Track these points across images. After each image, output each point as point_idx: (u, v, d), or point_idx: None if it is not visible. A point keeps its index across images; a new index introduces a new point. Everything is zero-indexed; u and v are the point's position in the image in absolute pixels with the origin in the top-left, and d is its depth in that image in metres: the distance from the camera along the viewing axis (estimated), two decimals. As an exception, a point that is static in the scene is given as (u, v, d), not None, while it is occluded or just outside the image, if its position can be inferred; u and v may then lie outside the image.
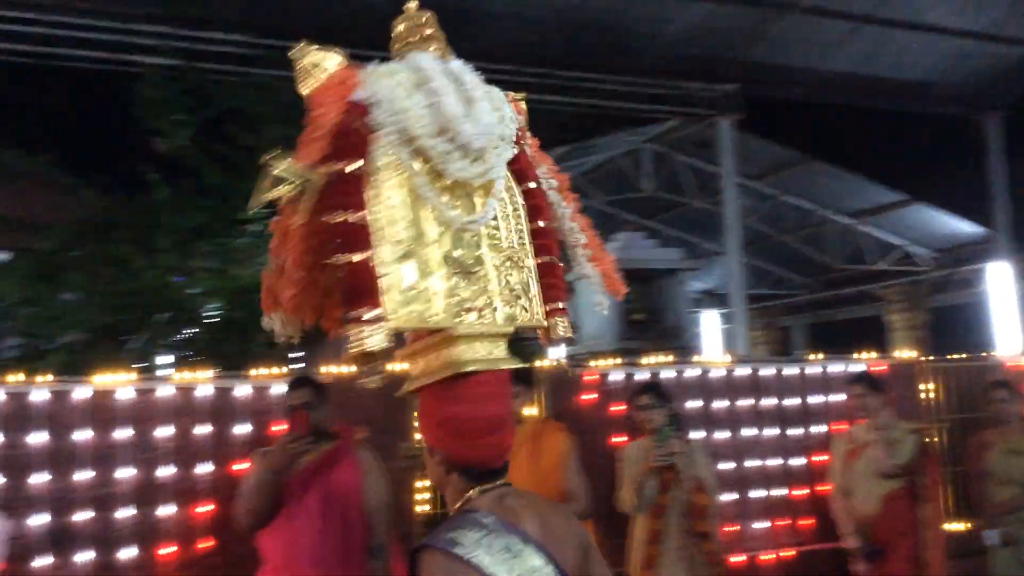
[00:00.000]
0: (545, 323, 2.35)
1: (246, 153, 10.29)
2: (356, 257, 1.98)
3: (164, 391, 5.15)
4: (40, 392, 4.92)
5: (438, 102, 2.15)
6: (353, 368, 5.43)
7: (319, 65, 2.17)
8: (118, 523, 4.97)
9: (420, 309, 2.12)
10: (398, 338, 2.18)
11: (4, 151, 10.29)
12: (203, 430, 5.18)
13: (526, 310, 2.32)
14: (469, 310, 2.19)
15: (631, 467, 5.06)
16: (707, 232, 16.23)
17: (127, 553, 4.96)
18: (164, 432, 5.12)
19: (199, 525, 5.10)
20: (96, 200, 9.26)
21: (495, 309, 2.23)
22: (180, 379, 5.24)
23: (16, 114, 11.29)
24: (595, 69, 11.40)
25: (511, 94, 2.53)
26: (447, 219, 2.20)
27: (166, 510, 5.07)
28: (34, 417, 4.88)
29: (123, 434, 5.03)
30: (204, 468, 5.15)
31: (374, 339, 1.95)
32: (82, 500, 4.92)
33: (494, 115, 2.28)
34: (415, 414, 2.40)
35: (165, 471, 5.09)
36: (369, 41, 3.26)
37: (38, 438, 4.87)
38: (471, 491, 2.12)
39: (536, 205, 2.42)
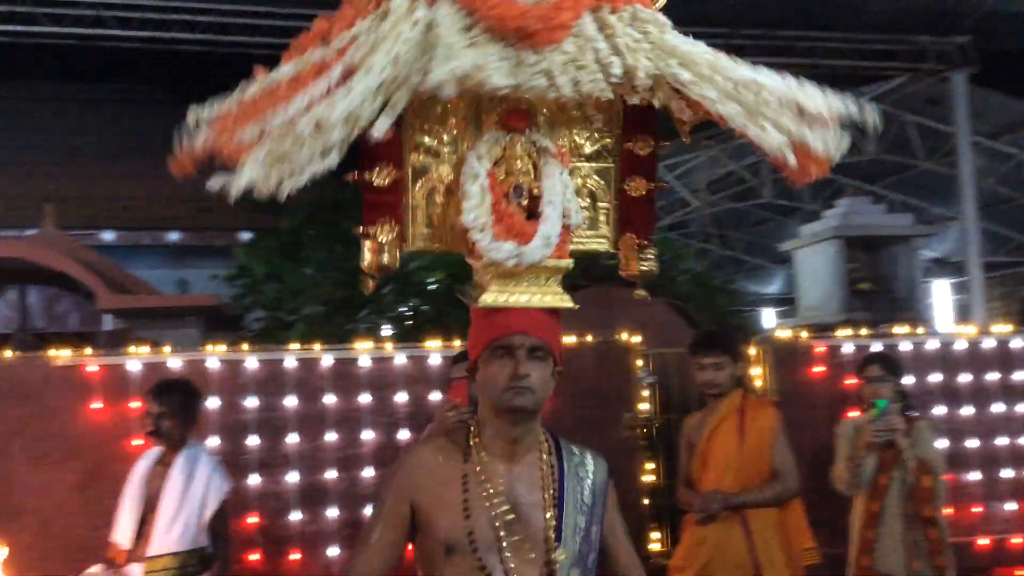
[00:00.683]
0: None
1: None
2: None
3: (399, 360, 5.43)
4: (290, 359, 5.32)
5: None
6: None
7: None
8: (363, 482, 5.30)
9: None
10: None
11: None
12: (435, 396, 5.42)
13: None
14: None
15: (845, 443, 4.79)
16: (937, 196, 15.14)
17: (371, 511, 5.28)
18: (400, 398, 5.40)
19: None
20: (331, 181, 9.84)
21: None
22: (409, 348, 5.51)
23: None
24: (813, 27, 10.87)
25: None
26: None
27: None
28: (285, 383, 5.28)
29: (365, 399, 5.35)
30: (437, 433, 5.40)
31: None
32: (330, 460, 5.29)
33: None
34: (558, 330, 2.09)
35: (403, 434, 5.37)
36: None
37: (290, 402, 5.28)
38: None
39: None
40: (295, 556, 5.18)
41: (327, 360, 5.37)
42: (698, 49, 2.00)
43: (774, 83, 2.00)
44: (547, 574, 1.98)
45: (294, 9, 9.73)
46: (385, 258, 1.96)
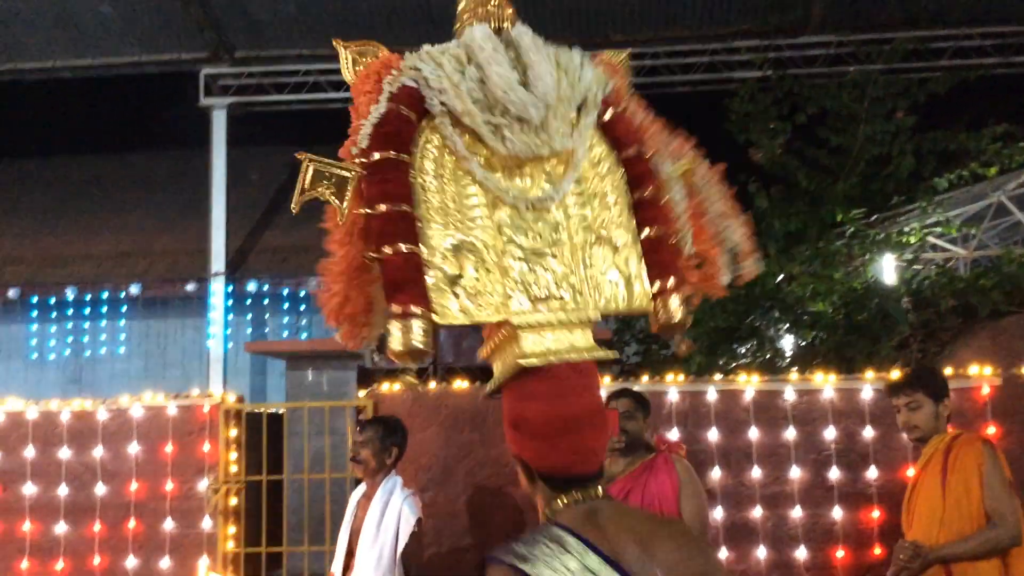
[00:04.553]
0: (645, 306, 2.01)
1: (836, 155, 10.15)
2: (399, 248, 1.82)
3: (826, 393, 5.13)
4: (711, 391, 5.22)
5: (486, 73, 1.94)
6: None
7: (364, 55, 2.02)
8: (790, 522, 5.05)
9: (469, 303, 1.90)
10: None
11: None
12: (868, 432, 5.05)
13: (618, 293, 2.01)
14: (537, 299, 1.93)
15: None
16: None
17: (800, 553, 5.01)
18: (829, 434, 5.10)
19: (869, 530, 4.97)
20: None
21: (575, 294, 1.95)
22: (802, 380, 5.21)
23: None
24: None
25: (606, 53, 2.26)
26: (510, 199, 1.97)
27: (837, 512, 5.03)
28: (708, 415, 5.20)
29: (791, 434, 5.12)
30: (869, 473, 5.03)
31: (413, 336, 1.78)
32: (755, 497, 5.10)
33: (555, 78, 2.00)
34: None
35: (833, 472, 5.06)
36: None
37: (713, 435, 5.18)
38: (556, 501, 1.86)
39: (639, 174, 2.09)
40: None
41: (749, 393, 5.20)
42: None
43: None
44: None
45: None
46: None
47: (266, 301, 11.40)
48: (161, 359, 11.34)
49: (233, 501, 5.52)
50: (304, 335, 10.69)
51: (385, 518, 4.22)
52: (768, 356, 8.29)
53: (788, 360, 7.92)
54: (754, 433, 5.16)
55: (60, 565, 5.45)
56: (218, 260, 10.99)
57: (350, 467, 4.60)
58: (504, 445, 5.18)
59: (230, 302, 11.04)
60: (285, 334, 11.17)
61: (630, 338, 9.43)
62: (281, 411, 6.86)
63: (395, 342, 1.82)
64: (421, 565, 4.40)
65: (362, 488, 4.49)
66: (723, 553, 5.06)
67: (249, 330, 11.41)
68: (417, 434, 5.29)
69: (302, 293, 10.46)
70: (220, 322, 10.90)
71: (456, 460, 5.34)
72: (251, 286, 11.15)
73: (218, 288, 11.01)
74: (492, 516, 5.26)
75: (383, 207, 1.85)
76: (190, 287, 11.13)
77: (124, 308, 11.38)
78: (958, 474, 3.69)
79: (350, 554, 4.31)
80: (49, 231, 12.50)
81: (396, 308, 1.81)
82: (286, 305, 11.24)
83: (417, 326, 1.79)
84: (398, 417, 4.73)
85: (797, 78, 9.90)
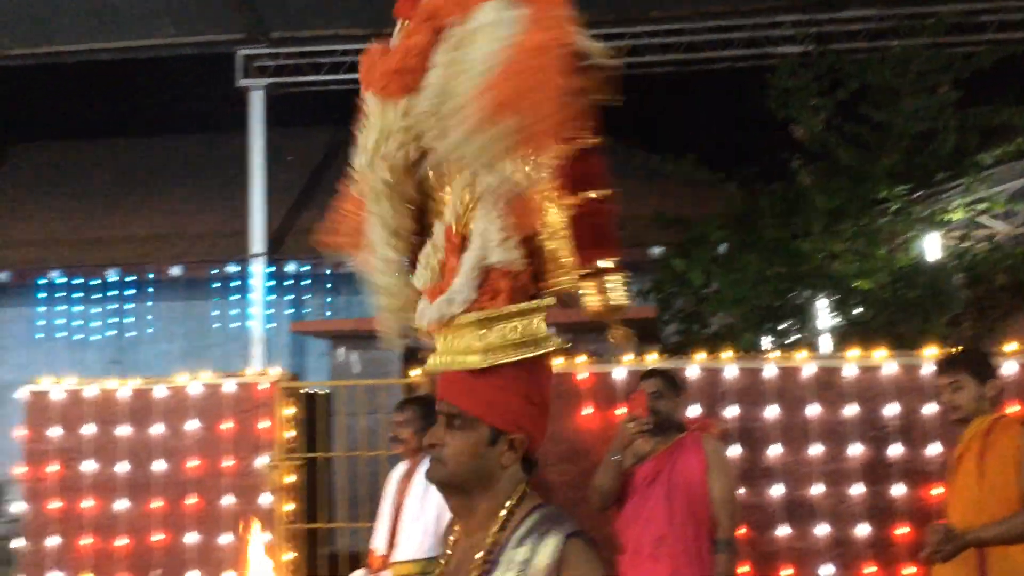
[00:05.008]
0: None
1: (879, 131, 10.02)
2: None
3: (887, 369, 5.10)
4: (769, 368, 5.20)
5: None
6: None
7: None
8: (851, 500, 5.04)
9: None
10: None
11: (651, 156, 11.42)
12: (929, 408, 5.03)
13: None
14: None
15: None
16: None
17: (862, 530, 5.01)
18: (890, 410, 5.07)
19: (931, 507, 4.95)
20: (737, 192, 9.72)
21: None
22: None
23: (652, 119, 12.44)
24: None
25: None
26: None
27: (898, 490, 5.00)
28: (765, 392, 5.17)
29: (851, 410, 5.10)
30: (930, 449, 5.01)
31: (619, 292, 1.77)
32: (815, 474, 5.08)
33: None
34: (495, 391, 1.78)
35: (894, 449, 5.04)
36: None
37: (771, 412, 5.15)
38: (524, 486, 1.83)
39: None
40: (787, 572, 5.02)
41: (809, 369, 5.18)
42: None
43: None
44: None
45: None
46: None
47: (305, 282, 11.44)
48: (201, 340, 11.43)
49: (291, 478, 5.58)
50: (343, 315, 10.73)
51: (429, 497, 4.25)
52: (810, 334, 8.26)
53: (832, 338, 7.88)
54: (813, 410, 5.14)
55: (123, 542, 5.53)
56: (257, 241, 11.04)
57: (391, 446, 4.65)
58: (559, 422, 5.18)
59: (269, 283, 11.09)
60: (328, 314, 11.21)
61: (669, 318, 9.39)
62: (326, 391, 6.93)
63: (595, 302, 1.82)
64: None
65: (403, 466, 4.55)
66: (783, 530, 5.06)
67: (290, 311, 11.47)
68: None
69: (341, 273, 10.48)
70: (260, 303, 10.96)
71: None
72: (290, 267, 11.20)
73: (257, 269, 11.06)
74: (555, 493, 5.26)
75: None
76: (230, 268, 11.19)
77: (164, 289, 11.45)
78: (995, 457, 3.59)
79: (393, 531, 4.38)
80: (88, 214, 12.60)
81: (590, 266, 1.83)
82: (328, 285, 11.29)
83: (615, 282, 1.81)
84: (429, 394, 4.76)
85: (838, 53, 9.77)
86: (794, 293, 8.44)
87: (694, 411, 5.13)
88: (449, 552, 1.88)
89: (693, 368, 5.25)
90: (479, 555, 1.76)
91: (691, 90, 11.90)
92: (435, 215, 1.90)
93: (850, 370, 5.14)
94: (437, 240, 1.86)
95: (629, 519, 4.05)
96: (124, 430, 5.65)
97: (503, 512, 1.79)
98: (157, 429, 5.62)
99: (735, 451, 5.11)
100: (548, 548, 1.74)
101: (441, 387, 1.82)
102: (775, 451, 5.14)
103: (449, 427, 1.78)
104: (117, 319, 11.65)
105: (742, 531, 4.97)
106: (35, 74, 12.57)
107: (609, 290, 1.88)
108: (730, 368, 5.23)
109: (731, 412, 5.18)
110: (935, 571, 3.56)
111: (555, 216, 1.87)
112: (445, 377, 1.82)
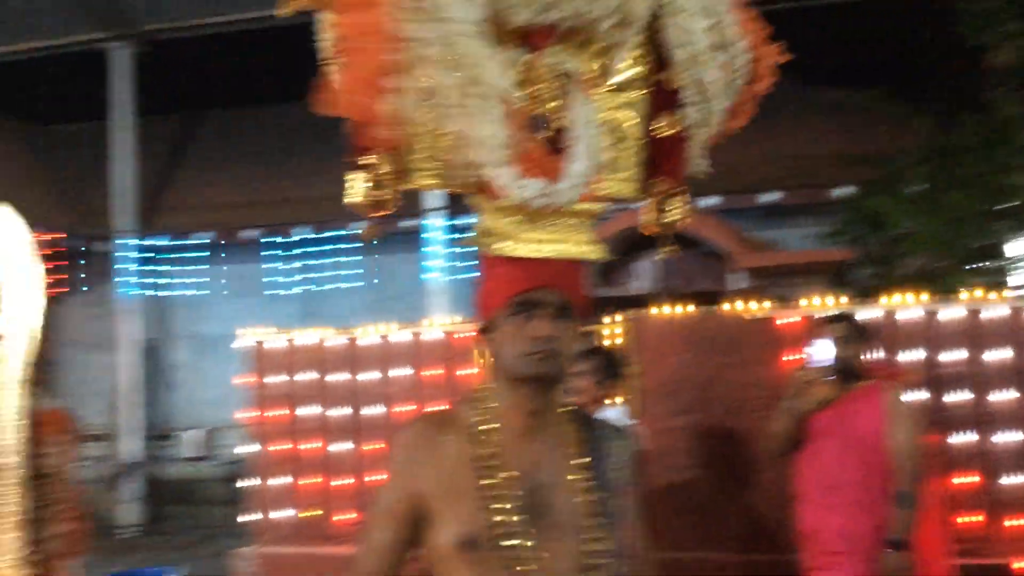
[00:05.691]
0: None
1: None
2: None
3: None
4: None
5: None
6: None
7: None
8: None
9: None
10: None
11: (835, 90, 10.93)
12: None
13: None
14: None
15: None
16: None
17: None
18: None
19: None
20: (933, 126, 9.19)
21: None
22: None
23: (845, 52, 11.88)
24: None
25: None
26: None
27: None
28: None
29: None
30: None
31: (382, 192, 1.73)
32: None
33: None
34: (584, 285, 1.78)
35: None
36: None
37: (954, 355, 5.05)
38: None
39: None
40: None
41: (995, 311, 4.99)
42: None
43: None
44: (584, 565, 1.69)
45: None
46: (382, 193, 1.69)
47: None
48: (385, 291, 11.91)
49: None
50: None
51: None
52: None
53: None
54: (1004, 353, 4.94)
55: (344, 481, 5.93)
56: (433, 195, 11.32)
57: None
58: (757, 368, 5.16)
59: (449, 236, 11.42)
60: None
61: (864, 258, 9.04)
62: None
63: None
64: (647, 488, 4.55)
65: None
66: (967, 479, 4.91)
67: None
68: (671, 358, 5.37)
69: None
70: (439, 256, 11.32)
71: (709, 385, 5.36)
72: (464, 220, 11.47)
73: (434, 223, 11.40)
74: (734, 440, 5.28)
75: None
76: (408, 223, 11.56)
77: (350, 245, 11.99)
78: None
79: None
80: (272, 175, 13.26)
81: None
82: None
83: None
84: (617, 350, 4.85)
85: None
86: (1000, 232, 7.98)
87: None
88: (488, 476, 1.72)
89: (877, 312, 5.13)
90: (568, 451, 1.77)
91: (875, 16, 11.29)
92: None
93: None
94: (495, 107, 1.69)
95: (803, 466, 4.06)
96: (338, 377, 6.03)
97: (565, 409, 1.83)
98: (368, 376, 5.97)
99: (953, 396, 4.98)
100: (624, 442, 1.87)
101: (549, 275, 1.72)
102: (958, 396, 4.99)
103: (558, 318, 1.72)
104: (306, 274, 12.33)
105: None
106: (209, 44, 13.36)
107: (667, 209, 1.90)
108: (914, 311, 5.08)
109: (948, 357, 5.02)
110: None
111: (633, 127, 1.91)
112: (555, 265, 1.73)
